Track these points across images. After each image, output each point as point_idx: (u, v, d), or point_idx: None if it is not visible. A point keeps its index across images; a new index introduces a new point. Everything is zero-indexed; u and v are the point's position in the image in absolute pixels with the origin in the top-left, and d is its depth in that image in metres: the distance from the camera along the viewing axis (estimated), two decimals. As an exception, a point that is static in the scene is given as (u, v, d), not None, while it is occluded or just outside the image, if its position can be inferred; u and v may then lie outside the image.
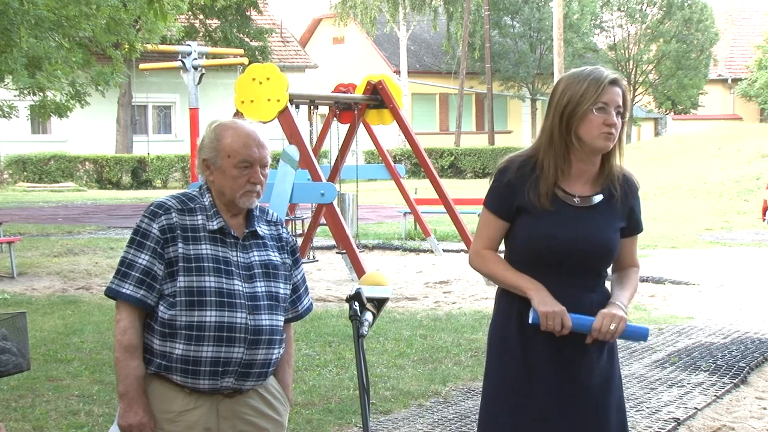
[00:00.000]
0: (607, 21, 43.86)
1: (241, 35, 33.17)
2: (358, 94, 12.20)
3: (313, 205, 11.85)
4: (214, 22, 33.82)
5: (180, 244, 3.01)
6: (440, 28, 42.97)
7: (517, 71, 41.03)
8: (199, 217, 3.07)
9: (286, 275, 3.18)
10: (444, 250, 14.15)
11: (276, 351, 3.11)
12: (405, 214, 16.08)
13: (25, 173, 30.73)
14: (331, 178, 11.67)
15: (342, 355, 7.49)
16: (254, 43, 33.21)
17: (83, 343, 7.87)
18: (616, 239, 3.17)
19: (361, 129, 12.72)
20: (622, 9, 43.11)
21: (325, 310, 9.45)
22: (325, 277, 12.20)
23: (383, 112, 12.32)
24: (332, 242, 13.26)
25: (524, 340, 3.14)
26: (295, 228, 12.14)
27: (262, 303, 3.06)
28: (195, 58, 17.82)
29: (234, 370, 3.02)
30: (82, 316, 9.12)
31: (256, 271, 3.08)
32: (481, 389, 3.32)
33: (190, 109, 18.23)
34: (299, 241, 10.75)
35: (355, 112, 12.29)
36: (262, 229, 3.17)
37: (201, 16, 33.47)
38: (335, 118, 12.54)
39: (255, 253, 3.11)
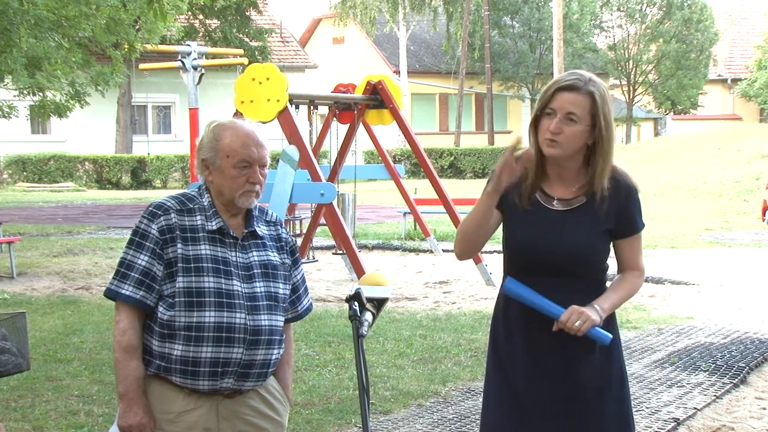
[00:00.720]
0: (607, 21, 43.87)
1: (241, 35, 33.18)
2: (358, 94, 12.18)
3: (313, 205, 11.85)
4: (213, 22, 33.83)
5: (179, 245, 3.01)
6: (440, 28, 42.97)
7: (517, 71, 41.03)
8: (198, 217, 3.07)
9: (286, 275, 3.18)
10: (444, 250, 14.14)
11: (275, 351, 3.11)
12: (405, 214, 16.08)
13: (25, 173, 30.73)
14: (331, 178, 11.66)
15: (342, 355, 7.49)
16: (254, 43, 33.21)
17: (83, 343, 7.87)
18: (596, 243, 3.12)
19: (361, 129, 12.71)
20: (621, 9, 43.11)
21: (325, 310, 9.45)
22: (325, 277, 12.20)
23: (383, 112, 12.31)
24: (332, 242, 13.26)
25: (523, 339, 3.15)
26: (293, 228, 12.14)
27: (261, 303, 3.06)
28: (195, 58, 17.79)
29: (233, 371, 3.02)
30: (81, 316, 9.12)
31: (255, 271, 3.08)
32: (481, 389, 3.32)
33: (189, 109, 18.21)
34: (298, 241, 10.75)
35: (355, 112, 12.28)
36: (262, 230, 3.16)
37: (201, 16, 33.49)
38: (335, 118, 12.53)
39: (254, 253, 3.11)
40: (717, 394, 6.41)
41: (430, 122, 42.98)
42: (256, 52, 32.14)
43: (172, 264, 3.00)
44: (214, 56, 21.04)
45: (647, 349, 7.81)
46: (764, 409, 6.18)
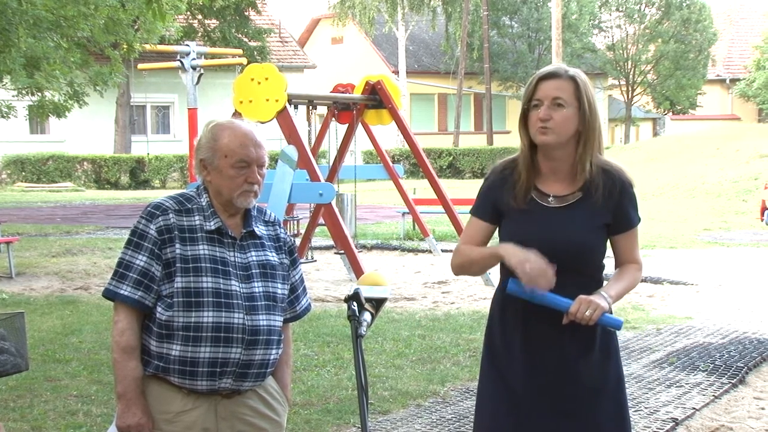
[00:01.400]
0: (606, 21, 43.89)
1: (240, 35, 33.19)
2: (357, 94, 12.19)
3: (312, 205, 11.85)
4: (212, 22, 33.83)
5: (177, 245, 3.01)
6: (439, 29, 42.97)
7: (516, 71, 41.02)
8: (197, 217, 3.07)
9: (284, 275, 3.18)
10: (442, 250, 14.13)
11: (274, 351, 3.11)
12: (403, 214, 16.08)
13: (24, 173, 30.72)
14: (330, 178, 11.67)
15: (340, 355, 7.49)
16: (253, 43, 33.22)
17: (81, 343, 7.87)
18: (593, 238, 3.12)
19: (360, 129, 12.71)
20: (620, 9, 43.16)
21: (324, 310, 9.45)
22: (324, 277, 12.19)
23: (382, 112, 12.31)
24: (331, 242, 13.26)
25: (521, 340, 3.15)
26: (292, 228, 12.13)
27: (259, 303, 3.06)
28: (193, 58, 17.78)
29: (232, 371, 3.02)
30: (80, 316, 9.11)
31: (253, 271, 3.08)
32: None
33: (188, 109, 18.20)
34: (297, 241, 10.75)
35: (354, 112, 12.28)
36: (260, 230, 3.16)
37: (199, 16, 33.49)
38: (334, 118, 12.53)
39: (252, 253, 3.10)
40: (715, 394, 6.41)
41: (429, 122, 42.98)
42: (255, 52, 32.14)
43: (170, 264, 3.00)
44: (213, 56, 21.04)
45: (646, 349, 7.81)
46: (763, 409, 6.18)
